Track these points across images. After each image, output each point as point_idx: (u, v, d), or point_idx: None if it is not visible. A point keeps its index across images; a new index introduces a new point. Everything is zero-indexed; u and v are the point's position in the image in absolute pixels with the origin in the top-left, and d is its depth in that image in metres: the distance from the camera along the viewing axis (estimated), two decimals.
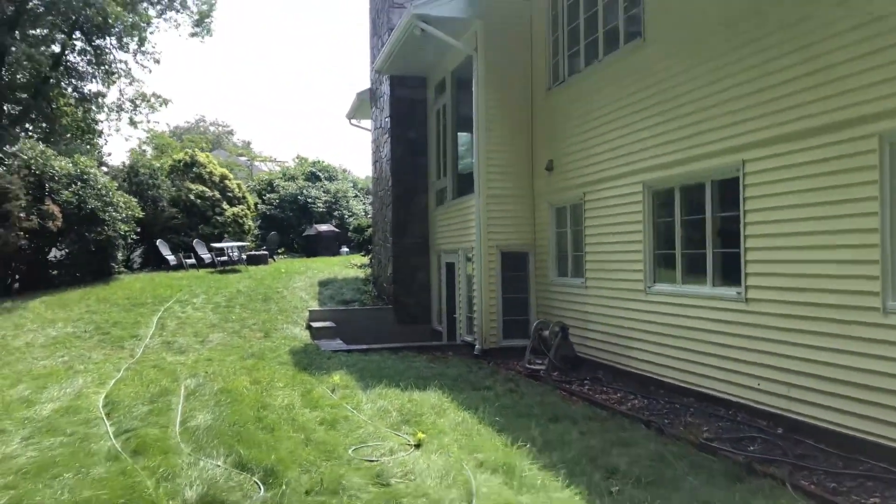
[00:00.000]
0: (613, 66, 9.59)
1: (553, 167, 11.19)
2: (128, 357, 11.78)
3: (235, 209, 25.17)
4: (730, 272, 7.40)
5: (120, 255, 19.96)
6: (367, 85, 18.12)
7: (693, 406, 7.43)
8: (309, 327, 14.40)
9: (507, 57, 11.90)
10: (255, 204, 27.93)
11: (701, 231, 7.87)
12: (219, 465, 5.55)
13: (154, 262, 22.54)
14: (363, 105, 18.25)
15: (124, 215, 18.99)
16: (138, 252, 23.78)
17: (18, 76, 28.69)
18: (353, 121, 19.48)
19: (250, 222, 26.09)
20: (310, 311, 15.06)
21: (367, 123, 19.19)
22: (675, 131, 8.22)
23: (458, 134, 14.10)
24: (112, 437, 6.56)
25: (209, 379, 9.35)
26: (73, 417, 7.38)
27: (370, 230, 20.59)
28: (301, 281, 18.00)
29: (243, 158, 45.92)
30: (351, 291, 16.85)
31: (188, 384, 8.98)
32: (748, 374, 6.97)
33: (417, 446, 6.06)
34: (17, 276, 17.96)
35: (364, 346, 12.56)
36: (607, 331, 9.62)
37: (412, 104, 15.23)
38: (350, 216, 29.28)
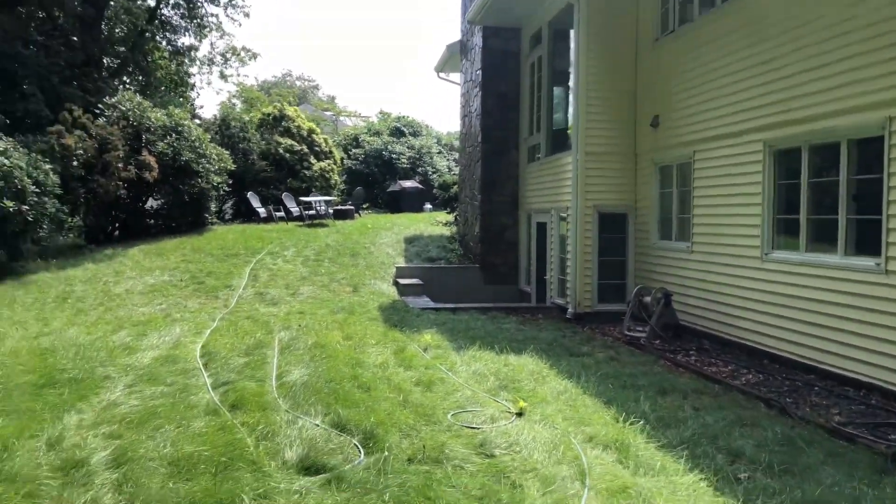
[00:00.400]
0: (732, 13, 8.78)
1: (659, 123, 10.50)
2: (222, 307, 11.96)
3: (322, 164, 25.29)
4: (866, 241, 6.69)
5: (213, 207, 20.41)
6: (457, 37, 17.60)
7: (816, 384, 6.84)
8: (396, 283, 14.31)
9: (610, 5, 11.16)
10: (341, 159, 28.03)
11: (832, 195, 7.15)
12: (317, 425, 5.42)
13: (244, 214, 22.99)
14: (453, 58, 17.76)
15: (217, 167, 19.31)
16: (229, 204, 24.31)
17: (117, 30, 29.53)
18: (442, 74, 19.03)
19: (336, 177, 26.20)
20: (396, 267, 14.96)
21: (456, 77, 18.71)
22: (804, 86, 7.45)
23: (554, 88, 13.47)
24: (210, 389, 6.56)
25: (302, 332, 9.34)
26: (172, 367, 7.45)
27: (455, 187, 20.28)
28: (387, 237, 17.94)
29: (328, 113, 46.25)
30: (437, 249, 16.65)
31: (282, 337, 8.98)
32: (885, 353, 6.32)
33: (519, 415, 5.77)
34: (116, 225, 18.62)
35: (452, 305, 12.36)
36: (715, 299, 9.03)
37: (505, 56, 14.65)
38: (433, 172, 29.03)
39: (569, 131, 12.69)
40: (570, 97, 11.35)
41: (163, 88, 30.97)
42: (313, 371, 7.11)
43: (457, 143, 31.04)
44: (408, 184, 27.24)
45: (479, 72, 14.82)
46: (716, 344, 8.92)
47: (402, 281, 14.08)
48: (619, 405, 5.99)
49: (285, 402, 6.09)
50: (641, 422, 5.53)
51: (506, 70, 14.62)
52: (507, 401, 6.20)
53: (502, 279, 14.89)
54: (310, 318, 10.62)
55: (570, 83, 11.75)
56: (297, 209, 21.87)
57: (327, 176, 25.28)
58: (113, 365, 7.48)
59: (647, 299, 9.67)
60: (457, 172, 24.03)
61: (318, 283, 13.99)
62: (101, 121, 17.68)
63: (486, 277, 14.88)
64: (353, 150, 29.90)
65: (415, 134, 31.82)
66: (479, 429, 5.37)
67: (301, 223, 20.90)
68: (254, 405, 5.96)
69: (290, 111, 25.75)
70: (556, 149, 13.00)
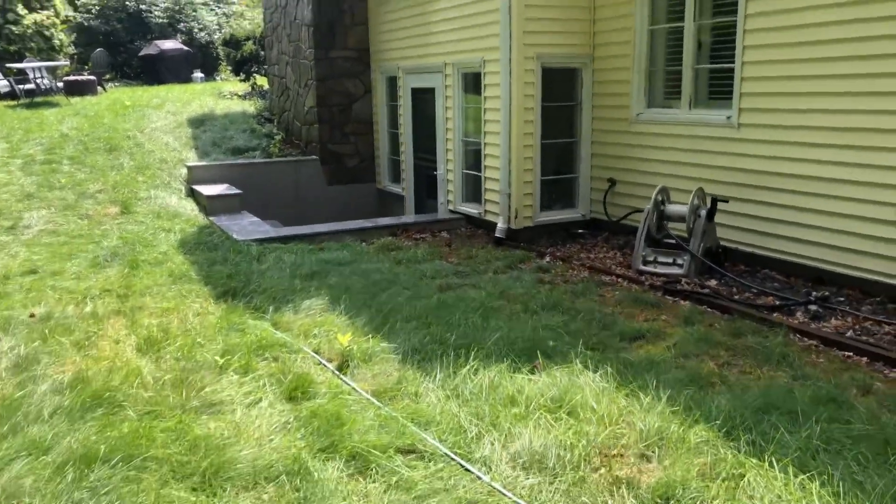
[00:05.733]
0: None
1: None
2: None
3: (38, 16, 17.71)
4: None
5: None
6: None
7: None
8: (193, 194, 9.12)
9: None
10: (66, 16, 20.18)
11: None
12: None
13: None
14: None
15: None
16: None
17: None
18: None
19: (63, 36, 18.68)
20: (188, 166, 9.62)
21: None
22: None
23: None
24: None
25: (40, 337, 4.31)
26: None
27: (250, 43, 14.64)
28: (160, 119, 12.07)
29: None
30: (243, 135, 11.31)
31: None
32: None
33: None
34: None
35: (305, 230, 7.64)
36: (802, 205, 5.42)
37: None
38: (201, 30, 22.21)
39: None
40: None
41: None
42: None
43: None
44: (168, 45, 20.38)
45: None
46: (799, 278, 5.44)
47: (205, 190, 8.89)
48: None
49: None
50: None
51: None
52: None
53: (354, 176, 10.25)
54: (52, 288, 5.44)
55: None
56: (6, 82, 14.74)
57: (47, 34, 17.81)
58: None
59: (676, 209, 5.84)
60: (241, 27, 18.01)
61: (57, 202, 8.35)
62: None
63: (331, 175, 10.12)
64: (83, 0, 21.89)
65: None
66: None
67: (14, 103, 13.98)
68: None
69: None
70: None
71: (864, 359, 4.02)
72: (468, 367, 3.75)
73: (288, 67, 11.01)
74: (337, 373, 3.83)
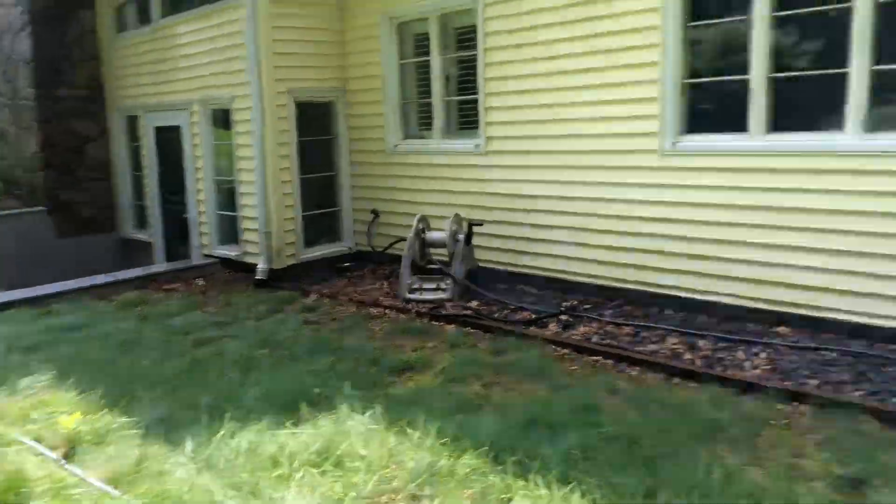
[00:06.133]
0: None
1: None
2: None
3: None
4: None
5: None
6: None
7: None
8: None
9: None
10: None
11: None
12: None
13: None
14: None
15: None
16: None
17: None
18: None
19: None
20: None
21: None
22: None
23: None
24: None
25: None
26: None
27: None
28: None
29: None
30: None
31: None
32: None
33: None
34: None
35: (29, 293, 6.60)
36: (540, 222, 5.73)
37: None
38: None
39: None
40: None
41: None
42: None
43: None
44: None
45: None
46: (550, 290, 5.73)
47: None
48: None
49: None
50: None
51: None
52: None
53: (91, 226, 9.22)
54: None
55: None
56: None
57: None
58: None
59: (436, 235, 5.87)
60: None
61: None
62: None
63: (60, 226, 8.98)
64: None
65: None
66: None
67: None
68: None
69: None
70: (178, 5, 7.80)
71: (611, 361, 4.28)
72: (224, 431, 3.35)
73: (5, 109, 9.64)
74: (63, 462, 3.22)
